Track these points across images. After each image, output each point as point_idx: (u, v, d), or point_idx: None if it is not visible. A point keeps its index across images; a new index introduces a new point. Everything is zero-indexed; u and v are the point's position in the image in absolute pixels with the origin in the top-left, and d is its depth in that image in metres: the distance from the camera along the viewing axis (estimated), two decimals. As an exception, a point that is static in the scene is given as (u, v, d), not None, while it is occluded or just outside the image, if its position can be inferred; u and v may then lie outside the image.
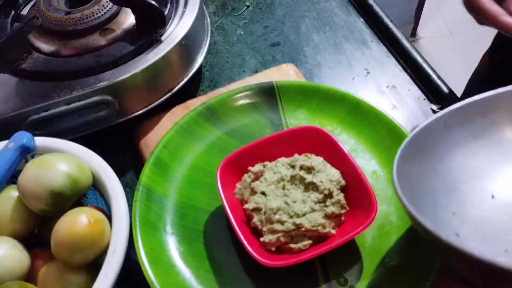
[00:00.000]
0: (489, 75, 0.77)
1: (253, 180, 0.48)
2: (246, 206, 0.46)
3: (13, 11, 0.62)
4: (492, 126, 0.46)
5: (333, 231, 0.45)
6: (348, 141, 0.54)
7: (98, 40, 0.57)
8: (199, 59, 0.61)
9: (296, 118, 0.57)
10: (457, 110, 0.45)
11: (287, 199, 0.46)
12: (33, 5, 0.62)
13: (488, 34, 0.71)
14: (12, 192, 0.45)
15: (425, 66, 0.63)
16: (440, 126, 0.45)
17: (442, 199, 0.43)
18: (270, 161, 0.50)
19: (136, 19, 0.58)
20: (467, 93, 0.81)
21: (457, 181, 0.45)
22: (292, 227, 0.44)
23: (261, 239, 0.44)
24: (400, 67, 0.65)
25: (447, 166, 0.45)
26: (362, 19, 0.72)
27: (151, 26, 0.57)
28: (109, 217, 0.44)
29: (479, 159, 0.46)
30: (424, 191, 0.42)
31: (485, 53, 0.79)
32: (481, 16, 0.46)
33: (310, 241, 0.44)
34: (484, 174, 0.46)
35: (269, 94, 0.58)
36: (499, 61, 0.74)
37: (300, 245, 0.44)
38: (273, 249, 0.45)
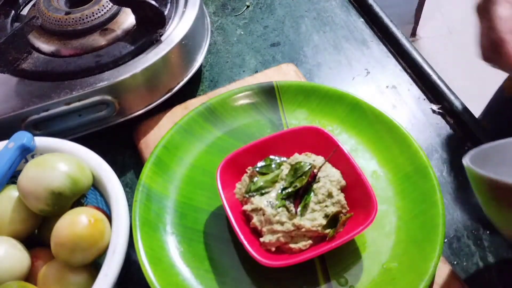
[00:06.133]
0: None
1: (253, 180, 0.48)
2: (245, 207, 0.46)
3: (13, 11, 0.62)
4: None
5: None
6: (348, 141, 0.54)
7: (98, 40, 0.57)
8: (199, 59, 0.61)
9: (296, 118, 0.57)
10: None
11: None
12: (33, 5, 0.62)
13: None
14: (12, 192, 0.45)
15: (425, 66, 0.63)
16: None
17: None
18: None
19: (136, 19, 0.58)
20: (488, 113, 0.75)
21: None
22: (292, 228, 0.44)
23: (261, 239, 0.44)
24: (400, 67, 0.65)
25: None
26: (362, 19, 0.72)
27: (151, 26, 0.57)
28: (109, 217, 0.44)
29: None
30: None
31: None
32: (504, 62, 0.42)
33: (310, 241, 0.44)
34: None
35: (269, 94, 0.58)
36: None
37: (300, 245, 0.44)
38: (273, 249, 0.45)
